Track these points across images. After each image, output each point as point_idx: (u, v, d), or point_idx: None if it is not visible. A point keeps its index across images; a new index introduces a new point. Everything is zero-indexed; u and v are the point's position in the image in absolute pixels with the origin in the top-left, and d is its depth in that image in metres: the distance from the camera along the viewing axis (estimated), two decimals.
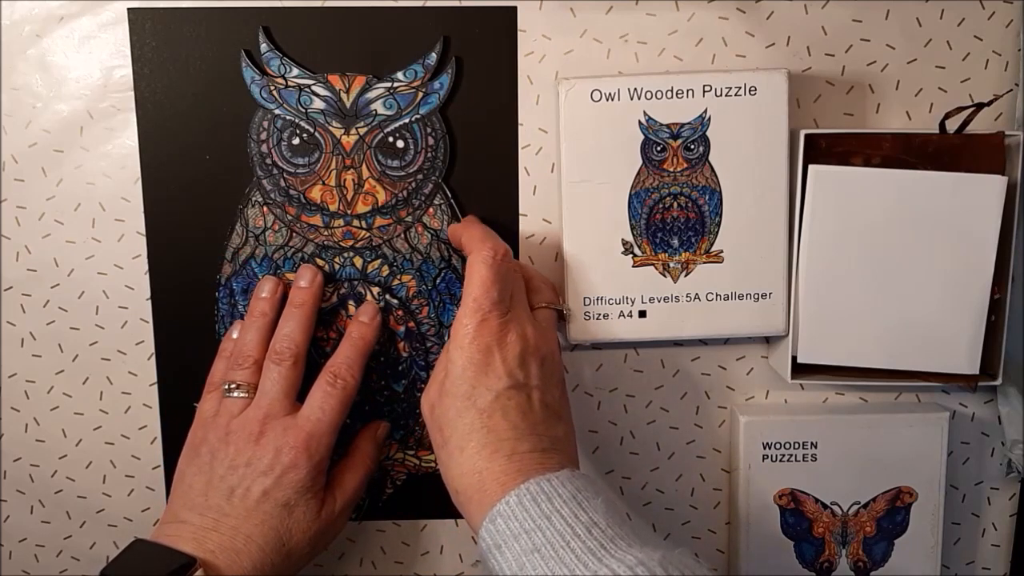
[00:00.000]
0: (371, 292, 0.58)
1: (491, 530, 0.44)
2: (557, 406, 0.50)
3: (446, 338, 0.58)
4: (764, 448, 0.59)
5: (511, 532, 0.43)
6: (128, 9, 0.55)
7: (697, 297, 0.56)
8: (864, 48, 0.57)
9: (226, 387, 0.53)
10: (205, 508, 0.50)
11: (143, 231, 0.58)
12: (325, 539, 0.53)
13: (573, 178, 0.55)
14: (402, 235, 0.57)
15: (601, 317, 0.56)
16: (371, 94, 0.56)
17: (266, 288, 0.55)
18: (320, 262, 0.58)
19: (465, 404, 0.48)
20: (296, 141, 0.56)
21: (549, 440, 0.48)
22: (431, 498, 0.61)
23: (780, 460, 0.59)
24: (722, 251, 0.56)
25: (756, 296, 0.56)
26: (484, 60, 0.56)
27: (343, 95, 0.56)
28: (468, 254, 0.51)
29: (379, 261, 0.58)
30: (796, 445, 0.58)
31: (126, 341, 0.59)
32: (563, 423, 0.50)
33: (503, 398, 0.48)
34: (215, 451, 0.51)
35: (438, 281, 0.58)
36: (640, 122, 0.54)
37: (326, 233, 0.57)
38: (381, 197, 0.57)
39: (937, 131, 0.54)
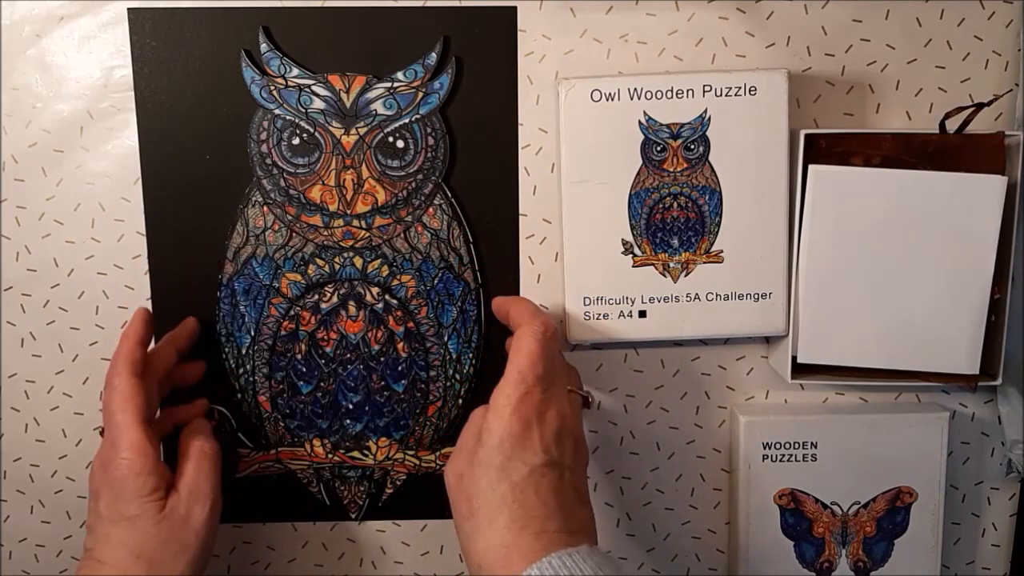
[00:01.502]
0: (371, 292, 0.58)
1: None
2: (584, 490, 0.50)
3: (445, 338, 0.58)
4: (764, 448, 0.59)
5: None
6: (128, 9, 0.55)
7: (697, 297, 0.56)
8: (864, 48, 0.57)
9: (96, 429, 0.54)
10: (84, 550, 0.51)
11: (143, 231, 0.58)
12: (189, 536, 0.51)
13: (573, 178, 0.55)
14: (402, 235, 0.57)
15: (601, 317, 0.56)
16: (371, 94, 0.56)
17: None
18: (320, 262, 0.58)
19: (499, 476, 0.47)
20: (296, 141, 0.56)
21: (577, 522, 0.48)
22: (431, 498, 0.61)
23: (780, 460, 0.59)
24: (722, 251, 0.56)
25: (756, 296, 0.56)
26: (484, 60, 0.56)
27: (343, 95, 0.56)
28: (517, 327, 0.51)
29: (379, 261, 0.58)
30: (796, 445, 0.58)
31: None
32: (587, 508, 0.50)
33: (537, 474, 0.47)
34: None
35: (436, 281, 0.58)
36: (640, 122, 0.54)
37: (326, 233, 0.57)
38: (381, 197, 0.57)
39: (937, 131, 0.54)
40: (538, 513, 0.46)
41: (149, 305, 0.58)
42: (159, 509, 0.50)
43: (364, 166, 0.57)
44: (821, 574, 0.60)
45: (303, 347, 0.58)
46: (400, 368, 0.59)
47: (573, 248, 0.56)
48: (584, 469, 0.51)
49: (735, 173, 0.55)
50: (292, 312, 0.58)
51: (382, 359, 0.59)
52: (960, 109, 0.54)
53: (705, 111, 0.54)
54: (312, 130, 0.56)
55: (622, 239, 0.56)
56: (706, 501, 0.62)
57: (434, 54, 0.56)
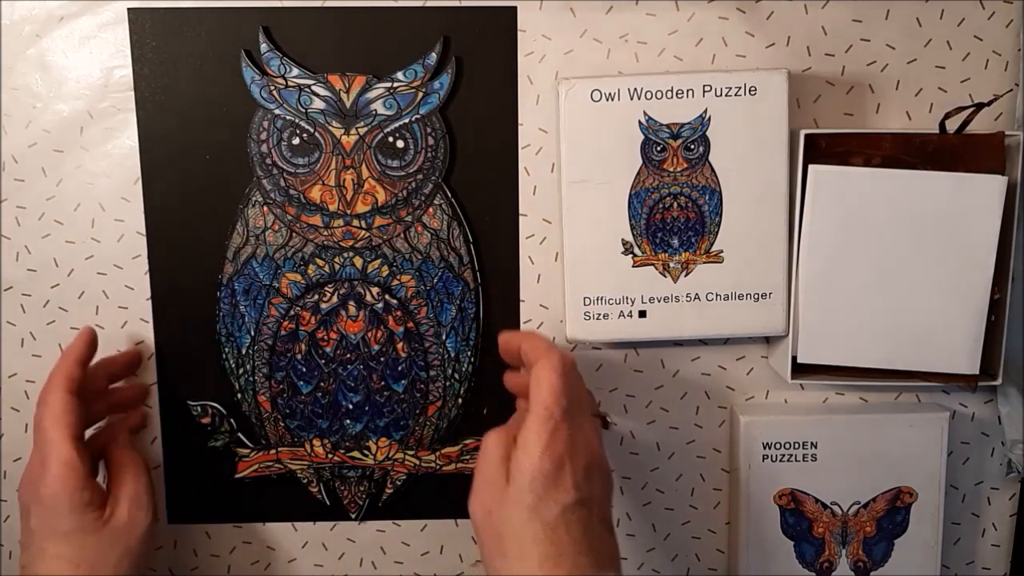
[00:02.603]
0: (370, 292, 0.58)
1: None
2: (609, 518, 0.50)
3: (443, 337, 0.58)
4: (764, 448, 0.59)
5: None
6: (128, 9, 0.55)
7: (697, 297, 0.56)
8: (864, 48, 0.57)
9: None
10: (20, 568, 0.51)
11: (143, 231, 0.58)
12: (132, 541, 0.52)
13: (573, 178, 0.55)
14: (402, 235, 0.57)
15: (601, 317, 0.56)
16: (371, 94, 0.56)
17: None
18: (320, 262, 0.58)
19: (530, 515, 0.47)
20: (296, 141, 0.56)
21: (606, 556, 0.48)
22: (431, 498, 0.61)
23: (780, 460, 0.59)
24: (722, 251, 0.56)
25: (756, 296, 0.56)
26: (484, 60, 0.56)
27: (343, 95, 0.56)
28: (533, 362, 0.50)
29: (379, 261, 0.58)
30: (796, 445, 0.58)
31: (126, 341, 0.59)
32: (613, 536, 0.50)
33: (568, 512, 0.47)
34: None
35: (436, 281, 0.58)
36: (640, 122, 0.54)
37: (326, 233, 0.57)
38: (381, 197, 0.57)
39: (937, 131, 0.54)
40: (569, 551, 0.46)
41: (149, 305, 0.58)
42: (98, 519, 0.51)
43: (364, 166, 0.57)
44: (821, 574, 0.60)
45: (303, 347, 0.58)
46: (400, 368, 0.59)
47: (573, 248, 0.56)
48: (610, 496, 0.51)
49: (735, 173, 0.55)
50: (292, 312, 0.58)
51: (382, 359, 0.59)
52: (960, 109, 0.54)
53: (705, 111, 0.54)
54: (312, 130, 0.56)
55: (622, 239, 0.56)
56: (706, 501, 0.62)
57: (434, 54, 0.56)
